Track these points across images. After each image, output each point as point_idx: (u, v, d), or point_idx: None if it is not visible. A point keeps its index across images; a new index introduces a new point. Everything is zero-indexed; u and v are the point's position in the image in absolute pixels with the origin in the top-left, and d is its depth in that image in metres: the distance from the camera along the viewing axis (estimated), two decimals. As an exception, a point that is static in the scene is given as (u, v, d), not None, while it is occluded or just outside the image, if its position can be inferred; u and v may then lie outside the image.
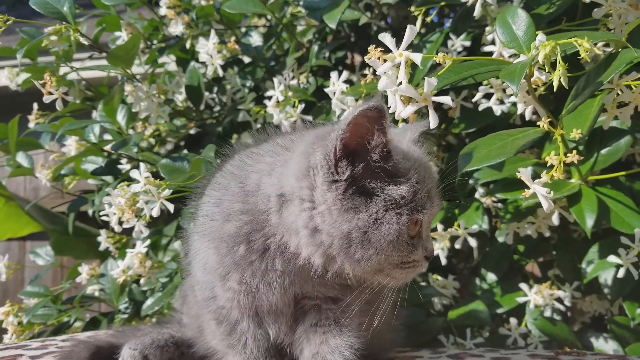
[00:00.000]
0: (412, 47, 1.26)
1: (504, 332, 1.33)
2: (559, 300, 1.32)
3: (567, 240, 1.38)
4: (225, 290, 0.88)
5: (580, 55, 0.78)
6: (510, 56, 1.11)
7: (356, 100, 1.20)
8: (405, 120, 0.90)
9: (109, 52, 1.26)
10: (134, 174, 1.06)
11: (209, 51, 1.43)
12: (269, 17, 1.60)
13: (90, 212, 1.69)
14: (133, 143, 1.36)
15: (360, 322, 0.91)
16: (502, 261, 1.43)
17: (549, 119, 0.84)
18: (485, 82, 1.25)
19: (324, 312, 0.89)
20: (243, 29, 1.72)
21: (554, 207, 1.18)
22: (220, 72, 1.47)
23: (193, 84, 1.52)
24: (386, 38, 0.78)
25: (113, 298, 1.66)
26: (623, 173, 1.11)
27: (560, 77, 0.71)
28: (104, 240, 1.67)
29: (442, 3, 1.15)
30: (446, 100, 0.75)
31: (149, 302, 1.51)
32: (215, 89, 1.69)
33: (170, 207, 1.04)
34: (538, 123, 0.84)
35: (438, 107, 1.31)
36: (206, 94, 1.63)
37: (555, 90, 0.72)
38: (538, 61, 0.71)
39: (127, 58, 1.31)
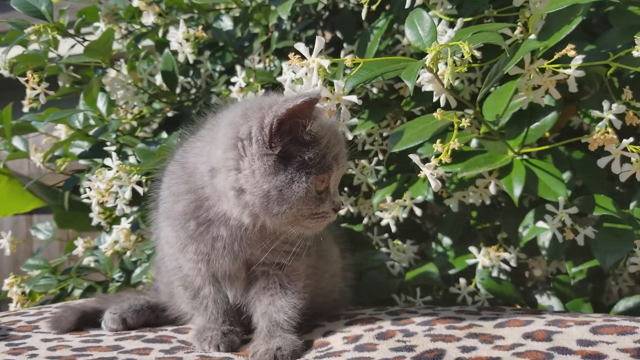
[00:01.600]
0: (361, 32, 1.36)
1: (454, 291, 1.47)
2: (505, 261, 1.45)
3: (513, 207, 1.50)
4: (187, 260, 1.02)
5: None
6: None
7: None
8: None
9: (85, 47, 1.37)
10: (107, 161, 1.19)
11: (179, 39, 1.53)
12: (240, 1, 1.68)
13: (82, 190, 1.83)
14: (112, 130, 1.48)
15: (305, 284, 1.05)
16: (457, 226, 1.56)
17: (454, 108, 0.95)
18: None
19: (272, 277, 1.03)
20: (222, 9, 1.80)
21: (490, 177, 1.30)
22: (191, 60, 1.57)
23: (168, 70, 1.63)
24: (301, 47, 0.89)
25: (107, 268, 1.82)
26: (547, 147, 1.22)
27: (449, 76, 0.82)
28: (95, 216, 1.81)
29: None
30: (353, 99, 0.87)
31: (137, 271, 1.67)
32: (191, 72, 1.80)
33: (140, 190, 1.18)
34: (434, 114, 0.95)
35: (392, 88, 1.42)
36: (182, 78, 1.74)
37: (445, 86, 0.83)
38: (440, 57, 0.82)
39: (104, 50, 1.42)
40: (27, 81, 1.37)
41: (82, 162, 2.00)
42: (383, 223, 1.41)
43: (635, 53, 0.94)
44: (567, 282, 1.45)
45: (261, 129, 0.86)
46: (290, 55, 0.92)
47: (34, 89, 1.37)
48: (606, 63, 1.06)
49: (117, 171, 1.17)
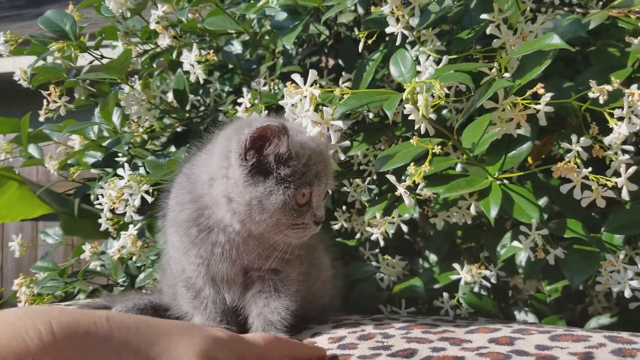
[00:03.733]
0: (359, 63, 1.48)
1: (437, 304, 1.57)
2: (486, 278, 1.55)
3: (494, 228, 1.61)
4: (190, 263, 1.13)
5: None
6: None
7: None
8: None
9: (105, 65, 1.50)
10: (119, 171, 1.30)
11: (191, 61, 1.66)
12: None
13: (92, 197, 1.94)
14: (125, 142, 1.60)
15: (297, 289, 1.16)
16: (443, 245, 1.67)
17: (428, 137, 1.08)
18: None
19: (267, 281, 1.14)
20: (233, 34, 1.93)
21: (471, 199, 1.41)
22: (201, 79, 1.69)
23: (179, 88, 1.76)
24: (296, 77, 1.02)
25: (112, 273, 1.92)
26: (522, 173, 1.33)
27: (423, 108, 0.94)
28: (104, 222, 1.92)
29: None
30: (339, 124, 0.99)
31: (141, 276, 1.77)
32: (201, 91, 1.93)
33: (149, 199, 1.29)
34: (411, 141, 1.07)
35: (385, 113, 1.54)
36: (192, 96, 1.86)
37: (419, 117, 0.95)
38: (416, 92, 0.94)
39: (121, 69, 1.55)
40: (49, 94, 1.49)
41: (93, 171, 2.11)
42: (373, 238, 1.51)
43: (590, 94, 1.05)
44: (543, 300, 1.55)
45: (239, 142, 0.99)
46: (288, 83, 1.04)
47: (55, 102, 1.50)
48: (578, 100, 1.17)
49: (128, 180, 1.28)
